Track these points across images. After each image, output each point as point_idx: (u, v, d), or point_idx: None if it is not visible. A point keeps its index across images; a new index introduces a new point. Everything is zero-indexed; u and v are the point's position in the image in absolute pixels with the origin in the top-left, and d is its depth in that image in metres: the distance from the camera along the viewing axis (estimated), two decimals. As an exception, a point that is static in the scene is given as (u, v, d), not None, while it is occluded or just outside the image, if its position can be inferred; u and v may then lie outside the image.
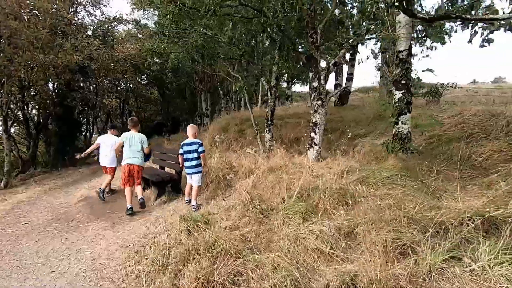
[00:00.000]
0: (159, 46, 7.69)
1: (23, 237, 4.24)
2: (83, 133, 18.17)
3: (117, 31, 13.80)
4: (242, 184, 5.18)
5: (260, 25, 5.44)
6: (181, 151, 4.71)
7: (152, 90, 21.32)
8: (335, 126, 8.69)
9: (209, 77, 15.84)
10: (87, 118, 18.05)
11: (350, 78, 10.94)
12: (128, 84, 17.98)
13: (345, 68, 11.12)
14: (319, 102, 5.96)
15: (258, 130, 8.09)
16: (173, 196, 5.38)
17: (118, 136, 5.82)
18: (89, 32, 12.88)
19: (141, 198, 4.90)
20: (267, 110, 8.07)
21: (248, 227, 3.54)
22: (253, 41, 8.52)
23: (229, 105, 22.15)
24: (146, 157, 5.37)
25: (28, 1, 8.03)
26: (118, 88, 14.92)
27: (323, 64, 6.66)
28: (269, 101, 8.03)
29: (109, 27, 13.46)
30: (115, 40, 12.39)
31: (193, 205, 4.71)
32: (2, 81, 8.47)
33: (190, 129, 4.86)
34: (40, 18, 8.44)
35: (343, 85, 11.14)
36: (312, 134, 6.02)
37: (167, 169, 6.60)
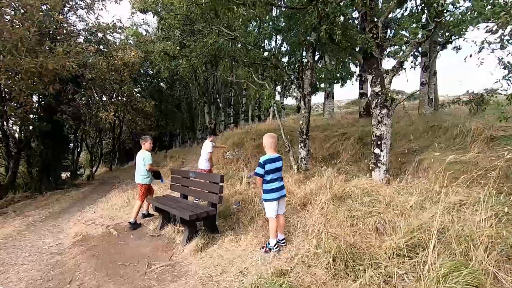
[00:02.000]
0: (174, 47, 6.44)
1: (-4, 319, 2.75)
2: (71, 151, 16.41)
3: (112, 38, 12.47)
4: (307, 220, 3.88)
5: (317, 15, 4.30)
6: (260, 170, 3.34)
7: (146, 103, 19.90)
8: (375, 139, 7.56)
9: (213, 87, 14.64)
10: (76, 134, 16.37)
11: (376, 86, 9.97)
12: (121, 98, 16.55)
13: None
14: (384, 111, 4.81)
15: (290, 145, 6.85)
16: (210, 237, 3.99)
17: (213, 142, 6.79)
18: (81, 39, 11.53)
19: (132, 221, 5.03)
20: (300, 122, 6.88)
21: (368, 304, 2.23)
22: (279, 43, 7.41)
23: (229, 118, 20.96)
24: (156, 176, 5.36)
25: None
26: (113, 100, 13.43)
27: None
28: (303, 112, 6.85)
29: (104, 35, 12.13)
30: (111, 46, 11.05)
31: (281, 240, 3.54)
32: (-23, 91, 6.96)
33: (271, 139, 3.43)
34: (26, 16, 7.06)
35: (369, 94, 10.15)
36: (377, 151, 4.83)
37: (190, 198, 5.23)
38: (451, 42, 7.50)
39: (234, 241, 3.84)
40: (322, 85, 10.22)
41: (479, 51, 3.58)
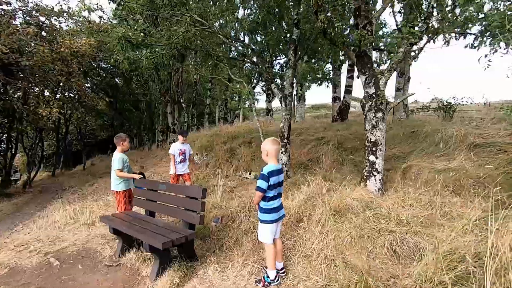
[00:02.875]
0: (137, 34, 5.45)
1: None
2: (2, 152, 13.90)
3: (57, 23, 10.71)
4: (306, 241, 3.26)
5: (315, 2, 3.74)
6: (264, 184, 2.58)
7: (98, 99, 17.80)
8: (354, 144, 7.31)
9: (177, 85, 13.52)
10: (9, 134, 13.91)
11: (349, 91, 9.88)
12: (68, 93, 14.52)
13: (343, 80, 10.10)
14: (379, 115, 4.43)
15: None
16: (188, 267, 3.16)
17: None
18: (17, 22, 9.67)
19: None
20: (281, 124, 6.31)
21: None
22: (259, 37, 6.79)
23: (192, 119, 19.82)
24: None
25: None
26: (58, 96, 11.59)
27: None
28: (283, 113, 6.29)
29: (47, 19, 10.34)
30: (56, 31, 9.43)
31: (281, 269, 2.88)
32: None
33: (276, 145, 2.71)
34: None
35: (341, 99, 10.03)
36: (372, 158, 4.42)
37: (157, 216, 4.31)
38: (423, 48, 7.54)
39: (219, 271, 3.07)
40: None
41: (494, 52, 3.35)
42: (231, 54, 7.08)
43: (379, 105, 4.44)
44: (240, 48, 6.62)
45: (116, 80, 17.23)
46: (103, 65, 15.61)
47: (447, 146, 5.74)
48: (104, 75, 15.63)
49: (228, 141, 9.02)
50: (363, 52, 4.55)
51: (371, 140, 4.44)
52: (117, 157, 4.23)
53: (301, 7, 4.65)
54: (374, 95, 4.48)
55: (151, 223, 3.56)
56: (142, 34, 5.45)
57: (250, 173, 7.67)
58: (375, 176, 4.37)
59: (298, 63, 7.20)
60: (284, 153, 6.17)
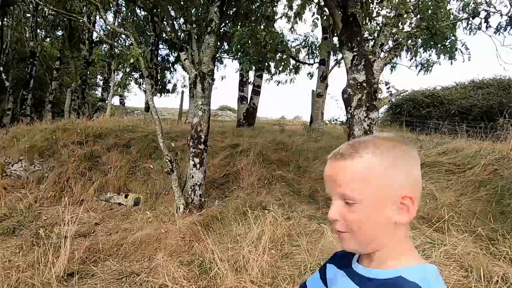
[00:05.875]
0: None
1: None
2: None
3: None
4: None
5: None
6: None
7: None
8: (279, 156, 5.68)
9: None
10: None
11: (257, 92, 8.38)
12: None
13: (252, 78, 8.52)
14: (373, 115, 2.91)
15: (173, 162, 3.70)
16: None
17: None
18: None
19: None
20: (195, 120, 3.88)
21: None
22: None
23: (25, 107, 13.60)
24: None
25: None
26: None
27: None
28: (199, 103, 3.89)
29: None
30: None
31: None
32: None
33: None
34: None
35: (249, 100, 8.41)
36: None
37: None
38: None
39: None
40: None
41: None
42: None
43: (373, 101, 2.87)
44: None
45: None
46: None
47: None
48: None
49: (88, 142, 5.56)
50: (352, 15, 2.92)
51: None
52: None
53: None
54: (365, 85, 2.89)
55: None
56: None
57: (126, 196, 4.71)
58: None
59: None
60: (198, 166, 3.76)
